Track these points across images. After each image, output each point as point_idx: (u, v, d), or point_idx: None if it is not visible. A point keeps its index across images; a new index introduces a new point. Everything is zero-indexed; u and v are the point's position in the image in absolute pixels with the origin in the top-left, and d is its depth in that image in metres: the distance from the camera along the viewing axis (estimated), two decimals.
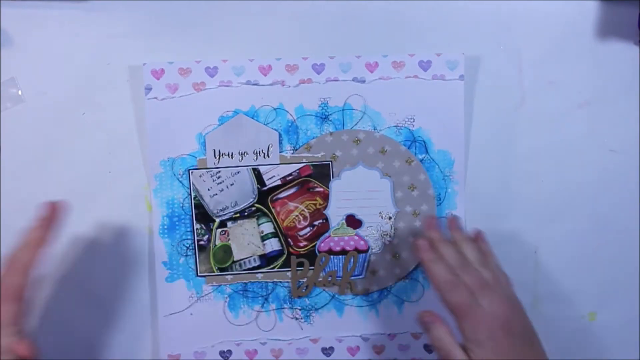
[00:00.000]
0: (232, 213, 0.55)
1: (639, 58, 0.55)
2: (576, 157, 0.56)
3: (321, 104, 0.54)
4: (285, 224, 0.55)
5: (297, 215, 0.55)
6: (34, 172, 0.54)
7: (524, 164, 0.56)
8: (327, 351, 0.56)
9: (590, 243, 0.57)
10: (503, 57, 0.55)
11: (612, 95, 0.56)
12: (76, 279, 0.55)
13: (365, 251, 0.56)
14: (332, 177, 0.55)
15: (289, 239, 0.55)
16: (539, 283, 0.57)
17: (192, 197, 0.55)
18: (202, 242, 0.55)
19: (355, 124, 0.55)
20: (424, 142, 0.55)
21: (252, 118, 0.54)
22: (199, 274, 0.55)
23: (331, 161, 0.55)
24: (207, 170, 0.54)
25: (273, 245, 0.55)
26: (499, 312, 0.43)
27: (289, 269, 0.55)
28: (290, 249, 0.55)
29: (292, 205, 0.55)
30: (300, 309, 0.56)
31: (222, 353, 0.56)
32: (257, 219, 0.55)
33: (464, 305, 0.43)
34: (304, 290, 0.56)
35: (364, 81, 0.54)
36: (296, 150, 0.55)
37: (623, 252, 0.57)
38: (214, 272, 0.55)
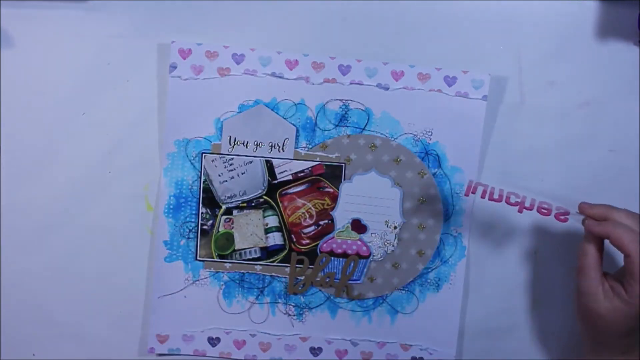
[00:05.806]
0: (240, 202, 0.55)
1: (639, 58, 0.55)
2: (576, 157, 0.56)
3: (342, 105, 0.54)
4: (290, 220, 0.55)
5: (303, 213, 0.55)
6: (34, 172, 0.54)
7: (524, 163, 0.56)
8: (316, 351, 0.56)
9: None
10: (503, 57, 0.55)
11: (612, 95, 0.55)
12: (76, 279, 0.56)
13: (367, 257, 0.56)
14: (344, 179, 0.55)
15: (293, 235, 0.55)
16: (540, 284, 0.56)
17: (202, 180, 0.54)
18: (205, 227, 0.55)
19: (374, 130, 0.55)
20: (439, 156, 0.55)
21: (273, 110, 0.54)
22: (198, 258, 0.55)
23: (345, 163, 0.55)
24: (220, 155, 0.54)
25: (276, 239, 0.55)
26: None
27: (289, 264, 0.55)
28: (292, 245, 0.55)
29: (300, 201, 0.55)
30: (294, 306, 0.56)
31: (210, 339, 0.56)
32: (264, 211, 0.55)
33: None
34: (300, 288, 0.56)
35: (387, 88, 0.54)
36: (311, 148, 0.54)
37: None
38: (213, 258, 0.55)
